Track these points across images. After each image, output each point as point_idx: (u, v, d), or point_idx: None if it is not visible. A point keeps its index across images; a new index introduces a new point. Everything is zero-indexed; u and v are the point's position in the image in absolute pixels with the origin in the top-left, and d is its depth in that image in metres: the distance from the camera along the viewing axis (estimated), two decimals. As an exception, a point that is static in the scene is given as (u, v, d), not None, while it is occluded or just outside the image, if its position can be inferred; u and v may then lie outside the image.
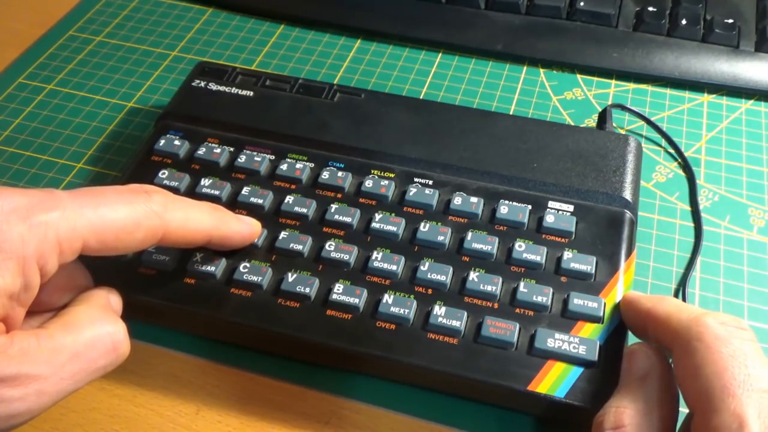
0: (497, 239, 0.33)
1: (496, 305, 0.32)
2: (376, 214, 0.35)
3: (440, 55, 0.47)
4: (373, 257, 0.33)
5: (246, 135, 0.38)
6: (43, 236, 0.25)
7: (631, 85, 0.45)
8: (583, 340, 0.30)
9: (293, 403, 0.31)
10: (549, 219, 0.34)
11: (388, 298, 0.31)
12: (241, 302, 0.32)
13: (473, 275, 0.32)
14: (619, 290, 0.32)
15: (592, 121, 0.43)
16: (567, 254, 0.33)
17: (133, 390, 0.32)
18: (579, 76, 0.46)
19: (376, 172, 0.37)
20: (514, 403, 0.30)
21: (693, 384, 0.26)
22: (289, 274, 0.32)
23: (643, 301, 0.30)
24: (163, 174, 0.37)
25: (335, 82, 0.45)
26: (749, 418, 0.23)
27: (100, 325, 0.27)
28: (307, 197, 0.35)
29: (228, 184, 0.36)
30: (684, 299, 0.34)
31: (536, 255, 0.33)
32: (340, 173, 0.36)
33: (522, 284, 0.32)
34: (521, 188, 0.36)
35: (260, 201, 0.35)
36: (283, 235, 0.34)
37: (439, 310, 0.31)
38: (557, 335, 0.30)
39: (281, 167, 0.37)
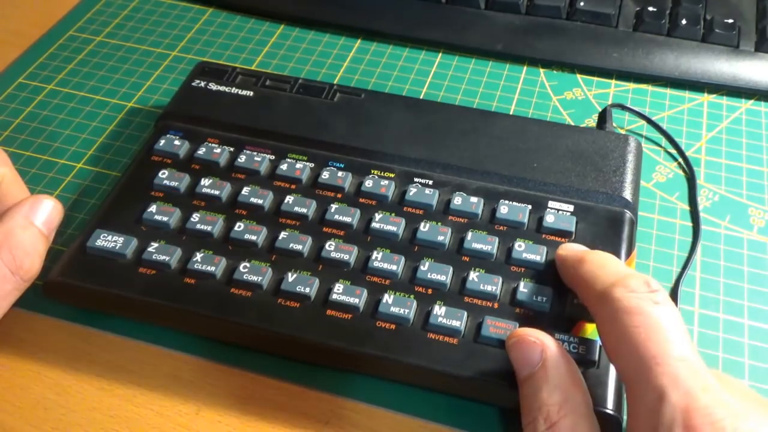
0: (497, 239, 0.33)
1: (496, 305, 0.32)
2: (376, 214, 0.35)
3: (440, 55, 0.47)
4: (373, 257, 0.33)
5: (246, 135, 0.38)
6: None
7: (631, 85, 0.45)
8: (582, 340, 0.30)
9: (293, 403, 0.31)
10: (549, 219, 0.34)
11: (388, 298, 0.31)
12: (241, 302, 0.32)
13: (473, 275, 0.32)
14: (619, 290, 0.32)
15: (592, 121, 0.43)
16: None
17: (133, 390, 0.32)
18: (579, 76, 0.46)
19: (376, 172, 0.37)
20: (514, 404, 0.30)
21: (615, 360, 0.26)
22: (289, 274, 0.32)
23: (569, 260, 0.31)
24: (163, 174, 0.37)
25: (335, 82, 0.45)
26: (667, 389, 0.24)
27: None
28: (307, 197, 0.35)
29: (228, 184, 0.36)
30: (676, 300, 0.34)
31: (536, 255, 0.33)
32: (340, 173, 0.36)
33: (522, 284, 0.32)
34: (521, 188, 0.36)
35: (260, 201, 0.35)
36: (283, 235, 0.34)
37: (439, 310, 0.31)
38: (557, 335, 0.30)
39: (281, 167, 0.37)
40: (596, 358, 0.30)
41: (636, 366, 0.25)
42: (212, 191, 0.36)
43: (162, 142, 0.38)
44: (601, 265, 0.29)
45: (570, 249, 0.32)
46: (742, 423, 0.23)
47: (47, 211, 0.33)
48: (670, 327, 0.25)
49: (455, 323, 0.31)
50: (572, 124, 0.43)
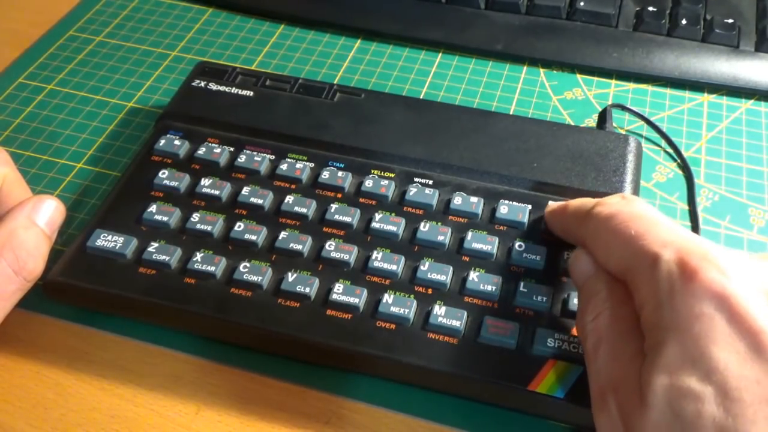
0: (497, 239, 0.33)
1: (496, 305, 0.32)
2: (376, 214, 0.35)
3: (440, 55, 0.47)
4: (373, 257, 0.33)
5: (246, 135, 0.38)
6: None
7: (631, 85, 0.45)
8: (583, 340, 0.30)
9: (293, 403, 0.31)
10: (549, 219, 0.34)
11: (388, 297, 0.31)
12: (241, 302, 0.32)
13: (473, 275, 0.32)
14: (619, 290, 0.32)
15: (592, 121, 0.43)
16: (567, 254, 0.33)
17: (133, 390, 0.32)
18: (579, 76, 0.46)
19: (376, 172, 0.37)
20: (514, 403, 0.30)
21: (609, 263, 0.27)
22: (289, 274, 0.32)
23: (556, 209, 0.33)
24: (163, 174, 0.37)
25: (335, 82, 0.45)
26: (658, 251, 0.24)
27: None
28: (307, 197, 0.35)
29: (228, 184, 0.36)
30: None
31: (536, 255, 0.33)
32: (340, 173, 0.36)
33: (522, 284, 0.32)
34: (521, 188, 0.36)
35: (260, 201, 0.35)
36: (283, 235, 0.34)
37: (439, 309, 0.31)
38: (557, 335, 0.30)
39: (281, 167, 0.37)
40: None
41: (627, 254, 0.26)
42: (212, 191, 0.36)
43: (162, 142, 0.38)
44: (582, 202, 0.31)
45: (554, 203, 0.33)
46: (736, 258, 0.24)
47: (50, 212, 0.33)
48: (650, 214, 0.27)
49: (455, 323, 0.31)
50: (572, 124, 0.43)
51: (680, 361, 0.22)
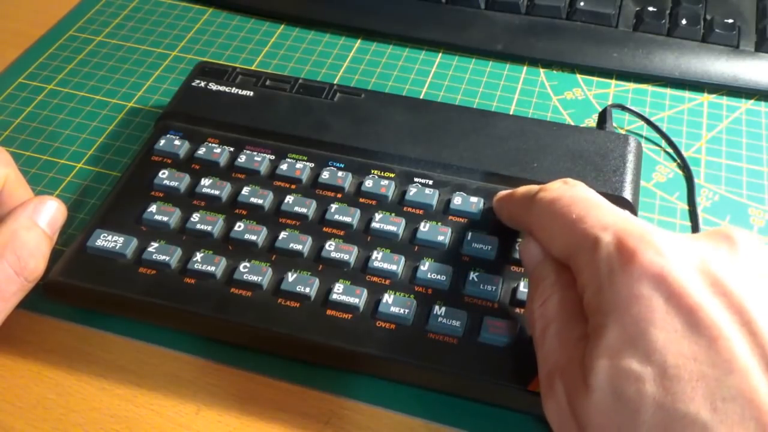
0: (497, 239, 0.33)
1: (496, 305, 0.32)
2: (376, 214, 0.35)
3: (440, 55, 0.47)
4: (373, 257, 0.33)
5: (246, 135, 0.38)
6: None
7: (631, 85, 0.45)
8: (583, 340, 0.30)
9: (293, 403, 0.31)
10: (549, 219, 0.34)
11: (388, 297, 0.31)
12: (241, 302, 0.32)
13: (473, 275, 0.32)
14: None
15: (592, 121, 0.43)
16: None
17: (133, 390, 0.32)
18: (579, 76, 0.46)
19: (376, 172, 0.37)
20: (514, 403, 0.30)
21: (552, 247, 0.27)
22: (289, 274, 0.32)
23: (503, 197, 0.33)
24: (163, 174, 0.37)
25: (335, 82, 0.45)
26: (597, 234, 0.25)
27: None
28: (307, 197, 0.35)
29: (228, 184, 0.36)
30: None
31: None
32: (340, 173, 0.36)
33: (522, 284, 0.32)
34: (521, 188, 0.36)
35: (260, 201, 0.35)
36: (283, 235, 0.34)
37: (439, 309, 0.31)
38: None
39: (281, 167, 0.37)
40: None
41: (569, 238, 0.26)
42: (212, 191, 0.36)
43: (162, 142, 0.38)
44: (528, 188, 0.31)
45: (503, 191, 0.34)
46: (673, 238, 0.24)
47: (51, 212, 0.33)
48: (592, 197, 0.27)
49: (455, 323, 0.31)
50: (572, 124, 0.43)
51: (620, 343, 0.22)
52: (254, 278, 0.32)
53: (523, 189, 0.31)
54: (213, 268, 0.33)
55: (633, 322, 0.22)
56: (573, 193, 0.28)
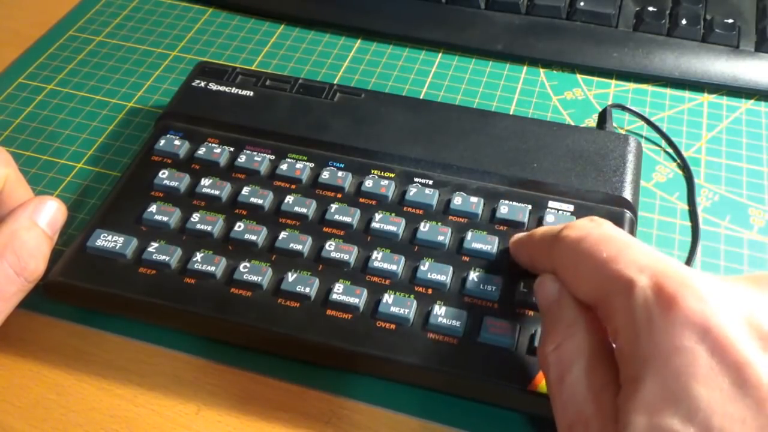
0: (497, 239, 0.33)
1: (495, 305, 0.32)
2: (376, 214, 0.35)
3: (440, 55, 0.47)
4: (373, 257, 0.33)
5: (246, 135, 0.38)
6: None
7: (631, 85, 0.45)
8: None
9: (293, 403, 0.31)
10: (549, 219, 0.34)
11: (388, 298, 0.31)
12: (241, 302, 0.32)
13: (473, 275, 0.32)
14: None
15: (592, 121, 0.43)
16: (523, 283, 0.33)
17: (133, 390, 0.32)
18: (579, 76, 0.46)
19: (376, 172, 0.37)
20: (514, 403, 0.30)
21: (578, 290, 0.25)
22: (289, 274, 0.32)
23: (521, 239, 0.31)
24: (163, 174, 0.37)
25: (335, 82, 0.45)
26: (633, 276, 0.23)
27: None
28: (307, 197, 0.35)
29: (228, 184, 0.36)
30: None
31: (536, 255, 0.33)
32: (340, 173, 0.36)
33: (522, 284, 0.32)
34: (521, 188, 0.36)
35: (260, 201, 0.35)
36: (283, 235, 0.34)
37: (439, 310, 0.31)
38: (557, 335, 0.30)
39: (281, 167, 0.37)
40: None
41: (599, 279, 0.24)
42: (212, 191, 0.36)
43: (162, 142, 0.38)
44: (548, 227, 0.30)
45: (518, 234, 0.32)
46: (716, 283, 0.22)
47: (51, 212, 0.33)
48: (621, 236, 0.25)
49: (455, 323, 0.31)
50: (572, 124, 0.43)
51: (660, 399, 0.21)
52: (254, 278, 0.32)
53: (543, 229, 0.30)
54: (213, 268, 0.33)
55: (674, 376, 0.21)
56: (602, 232, 0.26)
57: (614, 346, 0.24)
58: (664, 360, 0.21)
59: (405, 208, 0.35)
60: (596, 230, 0.26)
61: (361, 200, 0.35)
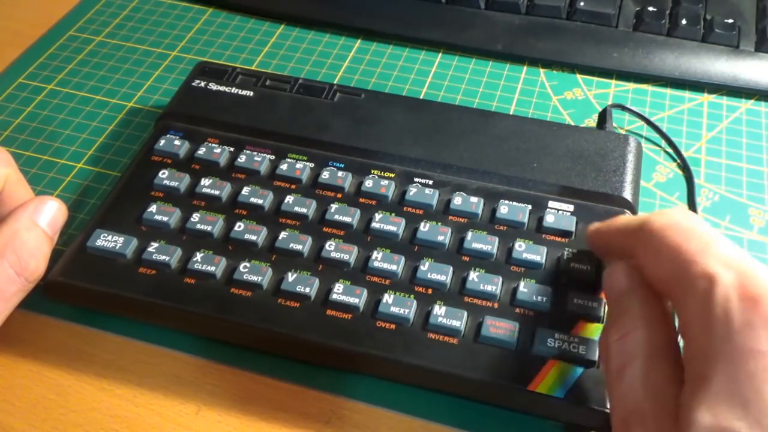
0: (497, 239, 0.33)
1: (496, 305, 0.32)
2: (376, 214, 0.35)
3: (440, 55, 0.47)
4: (373, 257, 0.33)
5: (246, 135, 0.38)
6: None
7: (631, 85, 0.45)
8: (583, 339, 0.30)
9: (293, 403, 0.31)
10: (549, 219, 0.34)
11: (388, 298, 0.31)
12: (241, 302, 0.32)
13: (473, 275, 0.32)
14: (619, 290, 0.32)
15: (592, 121, 0.43)
16: (567, 254, 0.33)
17: (133, 390, 0.32)
18: (579, 76, 0.46)
19: (376, 172, 0.37)
20: (514, 403, 0.30)
21: (655, 276, 0.25)
22: (289, 274, 0.32)
23: (602, 226, 0.30)
24: (163, 174, 0.37)
25: (335, 82, 0.45)
26: (717, 271, 0.22)
27: None
28: (307, 197, 0.35)
29: (228, 184, 0.36)
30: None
31: (536, 255, 0.33)
32: (340, 173, 0.36)
33: (522, 284, 0.32)
34: (521, 188, 0.36)
35: (260, 201, 0.35)
36: (283, 235, 0.34)
37: (439, 310, 0.31)
38: (557, 335, 0.30)
39: (281, 167, 0.37)
40: (596, 358, 0.30)
41: (679, 267, 0.23)
42: (212, 191, 0.36)
43: (162, 142, 0.38)
44: (631, 216, 0.29)
45: (597, 223, 0.31)
46: None
47: (51, 212, 0.33)
48: (710, 231, 0.25)
49: (455, 323, 0.31)
50: (572, 124, 0.43)
51: (728, 400, 0.20)
52: (254, 278, 0.32)
53: (625, 216, 0.30)
54: (213, 268, 0.33)
55: (746, 379, 0.20)
56: (692, 224, 0.25)
57: (681, 341, 0.23)
58: (737, 360, 0.21)
59: (405, 208, 0.35)
60: (686, 221, 0.25)
61: (361, 200, 0.35)
